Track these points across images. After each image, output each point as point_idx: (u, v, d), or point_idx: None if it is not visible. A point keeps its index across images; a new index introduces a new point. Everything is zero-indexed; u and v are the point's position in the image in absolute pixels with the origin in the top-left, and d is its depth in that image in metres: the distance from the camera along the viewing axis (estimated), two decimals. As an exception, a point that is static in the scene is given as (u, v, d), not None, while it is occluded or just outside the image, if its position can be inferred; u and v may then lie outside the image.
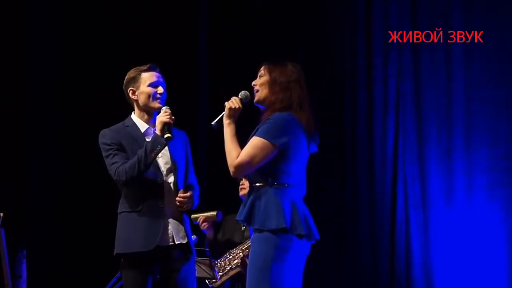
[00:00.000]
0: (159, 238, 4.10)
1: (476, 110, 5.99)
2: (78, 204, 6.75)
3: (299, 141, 3.77)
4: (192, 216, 5.49)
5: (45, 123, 6.84)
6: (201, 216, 5.56)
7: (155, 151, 4.09)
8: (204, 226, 5.59)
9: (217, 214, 5.52)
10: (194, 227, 5.48)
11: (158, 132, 4.12)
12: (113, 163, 4.15)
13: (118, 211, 4.22)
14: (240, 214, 3.81)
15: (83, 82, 6.87)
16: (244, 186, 5.49)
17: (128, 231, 4.14)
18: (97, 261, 6.07)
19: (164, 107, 4.18)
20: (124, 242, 4.14)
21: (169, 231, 4.14)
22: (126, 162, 4.11)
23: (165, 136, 4.09)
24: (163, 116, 4.13)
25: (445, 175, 6.03)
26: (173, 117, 4.13)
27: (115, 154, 4.16)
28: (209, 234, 5.66)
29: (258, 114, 3.84)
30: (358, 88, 6.40)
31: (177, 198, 4.13)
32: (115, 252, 4.18)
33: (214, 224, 5.66)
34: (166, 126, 4.11)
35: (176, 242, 4.15)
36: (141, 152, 4.09)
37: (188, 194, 4.14)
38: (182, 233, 4.17)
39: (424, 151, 6.14)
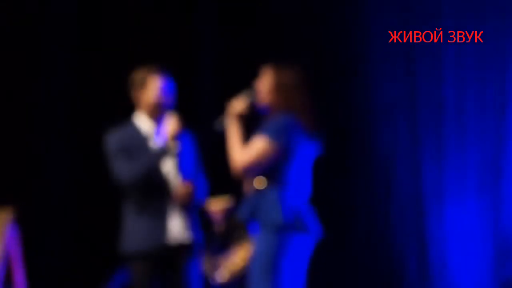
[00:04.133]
0: (164, 237, 4.12)
1: (468, 110, 6.02)
2: (82, 203, 6.76)
3: (300, 142, 3.80)
4: (205, 204, 5.51)
5: (54, 123, 6.86)
6: (216, 206, 5.54)
7: (161, 159, 4.11)
8: (216, 215, 5.57)
9: (231, 203, 5.51)
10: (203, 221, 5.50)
11: (166, 139, 4.12)
12: (117, 167, 4.16)
13: (122, 210, 4.24)
14: (241, 212, 3.84)
15: (85, 81, 6.87)
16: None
17: (133, 231, 4.16)
18: (99, 260, 6.09)
19: (172, 114, 4.18)
20: (129, 242, 4.17)
21: (174, 230, 4.16)
22: (130, 167, 4.12)
23: (173, 148, 4.10)
24: (172, 125, 4.13)
25: (439, 176, 6.05)
26: (181, 124, 4.14)
27: (119, 158, 4.16)
28: (220, 226, 5.63)
29: (261, 115, 3.87)
30: (353, 88, 6.41)
31: (176, 191, 4.14)
32: (120, 252, 4.20)
33: (228, 216, 5.64)
34: (174, 136, 4.11)
35: (181, 241, 4.17)
36: (146, 158, 4.09)
37: (187, 186, 4.15)
38: (187, 230, 4.19)
39: (418, 150, 6.16)
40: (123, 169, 4.12)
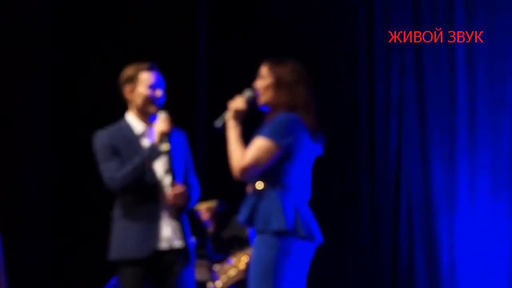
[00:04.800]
0: (155, 243, 4.04)
1: (480, 110, 5.95)
2: (75, 206, 6.71)
3: (303, 142, 3.72)
4: (195, 207, 5.45)
5: (41, 124, 6.81)
6: (202, 207, 5.51)
7: (151, 160, 4.03)
8: (206, 216, 5.52)
9: (218, 204, 5.46)
10: (198, 226, 5.44)
11: (156, 139, 4.04)
12: (106, 169, 4.06)
13: (112, 215, 4.15)
14: (241, 215, 3.77)
15: (81, 82, 6.83)
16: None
17: (122, 237, 4.06)
18: (94, 264, 6.04)
19: (162, 114, 4.09)
20: (118, 248, 4.07)
21: (166, 235, 4.07)
22: (120, 169, 4.02)
23: (164, 148, 4.02)
24: (162, 125, 4.05)
25: (449, 176, 5.99)
26: (171, 125, 4.06)
27: (108, 159, 4.06)
28: (211, 227, 5.58)
29: (262, 114, 3.80)
30: (360, 88, 6.36)
31: (169, 194, 4.06)
32: (109, 258, 4.10)
33: (217, 217, 5.58)
34: (164, 136, 4.03)
35: (173, 247, 4.09)
36: (136, 160, 4.00)
37: (180, 189, 4.06)
38: (180, 236, 4.10)
39: (428, 152, 6.10)
40: (113, 174, 4.04)
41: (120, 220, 4.09)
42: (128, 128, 4.16)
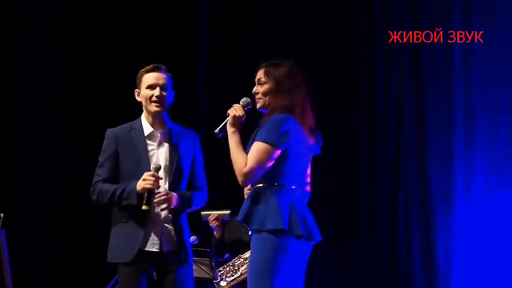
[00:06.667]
0: (145, 245, 4.04)
1: (476, 111, 5.95)
2: (75, 206, 6.70)
3: (297, 141, 3.74)
4: (203, 213, 5.45)
5: (41, 123, 6.80)
6: (213, 214, 5.51)
7: (126, 203, 4.04)
8: (214, 223, 5.54)
9: (228, 214, 5.48)
10: (201, 225, 5.43)
11: (139, 187, 4.01)
12: (97, 174, 4.17)
13: (110, 218, 4.19)
14: (239, 214, 3.78)
15: (81, 83, 6.82)
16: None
17: (114, 241, 4.13)
18: (94, 264, 6.03)
19: (153, 169, 4.05)
20: (111, 253, 4.14)
21: (157, 238, 4.07)
22: (105, 176, 4.11)
23: (142, 206, 4.00)
24: (146, 183, 4.01)
25: (446, 176, 5.99)
26: (157, 183, 4.01)
27: (103, 164, 4.14)
28: (217, 233, 5.59)
29: (258, 119, 3.82)
30: (359, 88, 6.36)
31: (156, 199, 4.05)
32: (108, 260, 4.17)
33: (223, 225, 5.61)
34: (147, 194, 4.00)
35: (165, 249, 4.08)
36: (117, 192, 4.05)
37: (165, 194, 4.03)
38: (174, 238, 4.10)
39: (425, 152, 6.10)
40: (97, 183, 4.13)
41: (114, 224, 4.15)
42: (138, 130, 4.19)
